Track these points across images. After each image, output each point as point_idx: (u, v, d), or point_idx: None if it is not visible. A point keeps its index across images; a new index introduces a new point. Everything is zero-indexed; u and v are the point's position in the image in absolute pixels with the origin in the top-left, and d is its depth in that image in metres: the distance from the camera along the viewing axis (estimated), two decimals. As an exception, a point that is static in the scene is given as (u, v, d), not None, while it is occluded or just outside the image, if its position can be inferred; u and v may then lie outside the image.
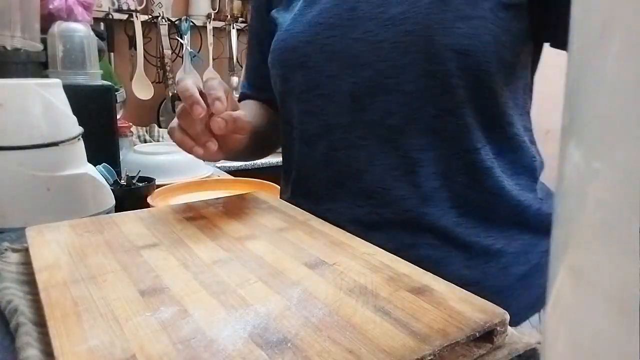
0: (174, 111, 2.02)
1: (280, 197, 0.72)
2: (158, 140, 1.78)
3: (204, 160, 0.57)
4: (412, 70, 0.54)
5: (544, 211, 0.62)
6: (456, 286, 0.40)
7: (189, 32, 2.14)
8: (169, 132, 0.57)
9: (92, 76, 1.03)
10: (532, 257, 0.62)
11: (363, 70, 0.56)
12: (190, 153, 0.55)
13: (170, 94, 2.11)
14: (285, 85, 0.62)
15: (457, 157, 0.57)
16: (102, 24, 1.94)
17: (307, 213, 0.59)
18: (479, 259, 0.59)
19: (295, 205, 0.61)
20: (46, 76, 0.98)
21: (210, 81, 0.54)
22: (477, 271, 0.59)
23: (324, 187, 0.62)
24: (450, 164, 0.57)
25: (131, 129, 1.54)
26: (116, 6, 1.99)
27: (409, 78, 0.55)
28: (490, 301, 0.36)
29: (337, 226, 0.55)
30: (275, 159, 1.69)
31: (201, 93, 0.52)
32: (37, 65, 0.98)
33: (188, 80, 0.53)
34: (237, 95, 0.80)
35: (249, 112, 0.71)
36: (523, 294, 0.61)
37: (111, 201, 0.75)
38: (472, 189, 0.58)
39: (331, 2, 0.59)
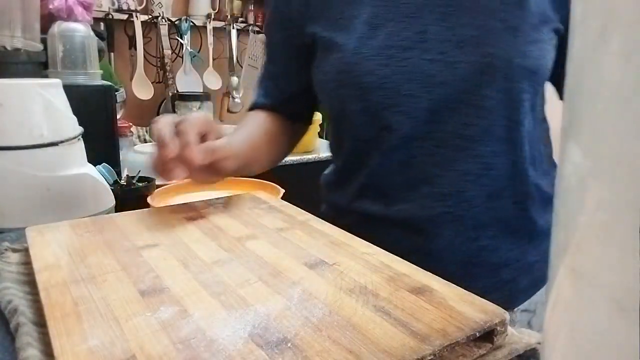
0: (174, 111, 2.02)
1: (327, 197, 0.78)
2: (158, 140, 1.78)
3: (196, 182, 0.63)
4: (490, 87, 0.60)
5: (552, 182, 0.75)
6: (456, 286, 0.40)
7: (189, 32, 2.13)
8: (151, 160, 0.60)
9: (92, 76, 1.03)
10: None
11: (441, 88, 0.61)
12: (161, 176, 0.58)
13: (170, 94, 2.10)
14: (359, 104, 0.65)
15: (520, 159, 0.65)
16: (102, 24, 1.94)
17: (307, 213, 0.59)
18: (522, 239, 0.69)
19: (359, 205, 0.69)
20: (46, 76, 0.98)
21: (184, 123, 0.57)
22: (519, 250, 0.68)
23: (398, 190, 0.67)
24: (516, 165, 0.65)
25: (131, 129, 1.54)
26: (116, 6, 1.99)
27: (487, 94, 0.61)
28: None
29: (407, 224, 0.65)
30: (275, 159, 1.69)
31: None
32: (37, 65, 0.98)
33: (162, 120, 0.57)
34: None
35: (249, 128, 0.76)
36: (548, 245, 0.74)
37: (111, 201, 0.75)
38: (521, 183, 0.66)
39: (398, 25, 0.63)
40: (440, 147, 0.63)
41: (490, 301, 0.38)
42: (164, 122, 0.57)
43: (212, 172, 0.61)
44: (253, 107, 0.82)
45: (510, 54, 0.59)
